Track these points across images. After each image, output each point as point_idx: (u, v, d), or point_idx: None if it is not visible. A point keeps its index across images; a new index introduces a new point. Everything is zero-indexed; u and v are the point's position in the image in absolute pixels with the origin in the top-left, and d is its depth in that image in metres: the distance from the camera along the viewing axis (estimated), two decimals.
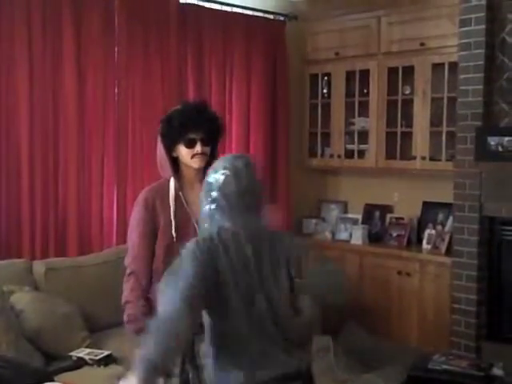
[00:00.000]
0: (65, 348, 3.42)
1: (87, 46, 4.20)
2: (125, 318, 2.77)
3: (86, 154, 4.23)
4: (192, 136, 2.72)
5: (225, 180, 2.23)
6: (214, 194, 2.24)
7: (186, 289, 2.09)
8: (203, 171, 2.67)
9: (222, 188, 2.23)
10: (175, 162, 2.81)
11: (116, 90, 4.39)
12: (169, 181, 2.83)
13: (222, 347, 2.23)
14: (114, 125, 4.36)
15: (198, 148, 2.73)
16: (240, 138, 5.13)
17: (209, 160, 2.76)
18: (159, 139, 2.81)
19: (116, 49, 4.37)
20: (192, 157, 2.74)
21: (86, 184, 4.23)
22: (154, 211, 2.78)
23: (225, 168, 2.25)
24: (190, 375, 2.84)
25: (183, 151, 2.74)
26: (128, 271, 2.83)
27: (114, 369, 3.34)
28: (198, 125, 2.72)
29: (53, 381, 2.89)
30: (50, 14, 4.02)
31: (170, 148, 2.77)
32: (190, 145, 2.73)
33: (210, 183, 2.26)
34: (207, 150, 2.77)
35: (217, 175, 2.25)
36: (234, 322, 2.18)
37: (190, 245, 2.20)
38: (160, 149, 2.81)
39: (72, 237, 4.16)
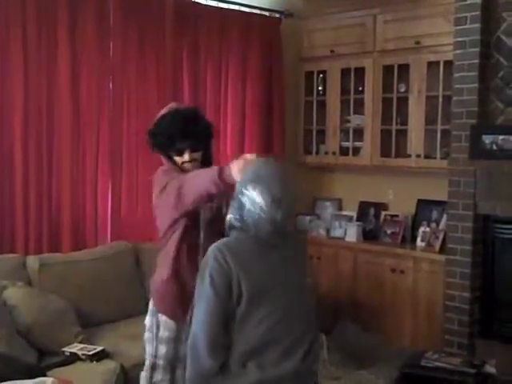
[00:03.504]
0: (58, 343, 3.41)
1: (82, 44, 4.19)
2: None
3: (80, 149, 4.23)
4: (180, 146, 2.72)
5: (259, 220, 2.17)
6: (247, 220, 2.19)
7: (211, 315, 2.12)
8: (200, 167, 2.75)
9: (256, 225, 2.18)
10: (172, 159, 2.80)
11: (111, 87, 4.38)
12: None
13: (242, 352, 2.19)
14: (109, 121, 4.36)
15: (187, 157, 2.73)
16: (235, 135, 5.13)
17: (203, 161, 2.78)
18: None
19: (111, 46, 4.37)
20: (182, 163, 2.75)
21: (79, 180, 4.23)
22: None
23: (262, 195, 2.16)
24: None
25: (174, 157, 2.76)
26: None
27: (106, 364, 3.34)
28: (185, 135, 2.70)
29: (45, 376, 2.89)
30: (45, 13, 4.01)
31: (161, 152, 2.78)
32: (179, 153, 2.73)
33: (243, 206, 2.21)
34: (197, 155, 2.77)
35: (253, 206, 2.18)
36: (259, 330, 2.16)
37: (214, 252, 2.17)
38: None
39: (66, 232, 4.16)
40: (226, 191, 2.47)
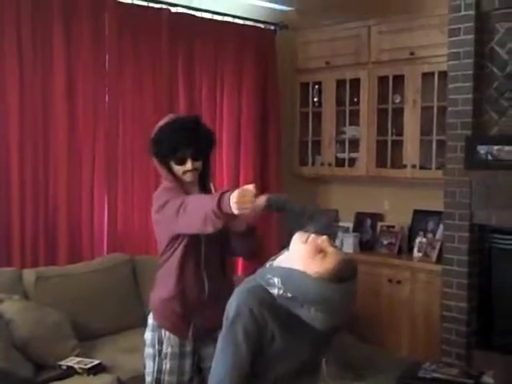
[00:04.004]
0: (54, 357, 3.40)
1: (77, 56, 4.20)
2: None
3: (76, 162, 4.22)
4: (182, 154, 2.69)
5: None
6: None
7: (235, 369, 1.94)
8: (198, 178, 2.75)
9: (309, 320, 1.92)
10: (171, 170, 2.77)
11: (106, 99, 4.39)
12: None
13: None
14: (105, 133, 4.36)
15: (189, 165, 2.70)
16: (231, 147, 5.14)
17: (202, 171, 2.77)
18: (151, 155, 2.78)
19: (107, 58, 4.38)
20: (183, 173, 2.73)
21: (76, 193, 4.22)
22: None
23: (319, 317, 1.89)
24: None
25: (174, 167, 2.72)
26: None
27: (103, 378, 3.33)
28: (187, 144, 2.68)
29: None
30: (41, 24, 4.02)
31: (161, 163, 2.75)
32: (181, 162, 2.70)
33: (295, 298, 1.90)
34: (199, 164, 2.74)
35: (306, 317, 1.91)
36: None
37: (245, 294, 1.97)
38: (155, 162, 2.78)
39: (62, 245, 4.15)
40: (228, 221, 2.44)
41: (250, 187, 2.28)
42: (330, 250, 1.91)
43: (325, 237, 1.94)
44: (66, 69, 4.14)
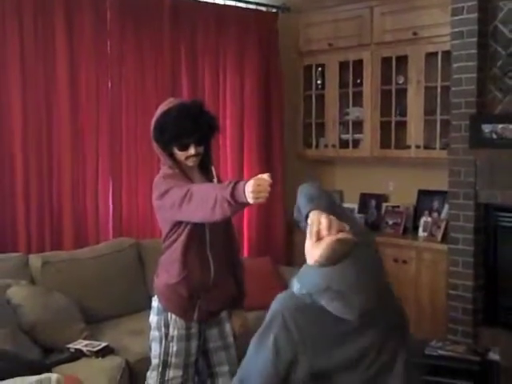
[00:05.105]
0: (62, 340, 3.42)
1: (79, 41, 4.19)
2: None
3: (80, 146, 4.24)
4: (186, 141, 2.68)
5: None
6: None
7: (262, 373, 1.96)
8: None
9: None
10: (172, 154, 2.76)
11: (109, 85, 4.39)
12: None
13: None
14: (108, 118, 4.36)
15: (192, 151, 2.69)
16: (235, 131, 5.13)
17: (203, 155, 2.76)
18: (152, 140, 2.75)
19: (108, 43, 4.37)
20: (186, 158, 2.73)
21: (80, 177, 4.24)
22: None
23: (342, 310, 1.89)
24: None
25: (177, 153, 2.71)
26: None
27: (111, 360, 3.35)
28: (192, 131, 2.67)
29: (50, 372, 2.90)
30: (42, 12, 4.01)
31: (164, 149, 2.73)
32: (184, 148, 2.70)
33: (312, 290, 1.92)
34: (201, 149, 2.74)
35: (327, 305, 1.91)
36: None
37: (281, 300, 2.00)
38: (155, 147, 2.77)
39: (68, 230, 4.16)
40: (237, 211, 2.44)
41: (266, 176, 2.26)
42: (325, 235, 1.88)
43: (325, 222, 1.89)
44: (68, 56, 4.14)
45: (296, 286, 1.97)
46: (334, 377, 1.97)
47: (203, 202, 2.42)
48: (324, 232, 1.88)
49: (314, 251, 1.87)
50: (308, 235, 1.91)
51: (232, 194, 2.29)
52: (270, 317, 2.00)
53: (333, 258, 1.85)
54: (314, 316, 1.95)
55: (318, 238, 1.88)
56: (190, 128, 2.65)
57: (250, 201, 2.24)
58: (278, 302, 2.02)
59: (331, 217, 1.91)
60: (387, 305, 2.06)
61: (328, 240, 1.86)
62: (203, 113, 2.74)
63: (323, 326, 1.95)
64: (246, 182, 2.26)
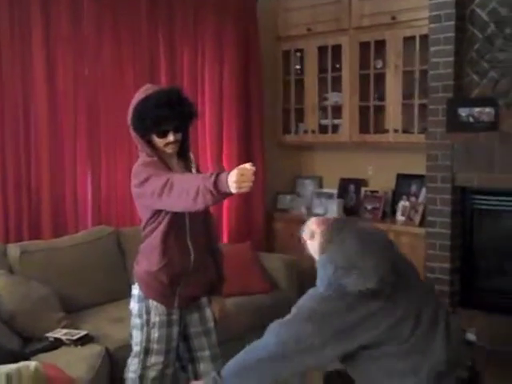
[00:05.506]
0: (41, 329, 3.41)
1: (56, 28, 4.14)
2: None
3: (58, 135, 4.20)
4: (165, 128, 2.67)
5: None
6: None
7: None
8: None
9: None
10: (150, 141, 2.74)
11: (86, 72, 4.35)
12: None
13: None
14: (86, 106, 4.33)
15: (171, 138, 2.68)
16: (213, 118, 5.12)
17: (181, 143, 2.76)
18: (131, 128, 2.73)
19: (85, 30, 4.32)
20: (165, 145, 2.72)
21: (58, 166, 4.20)
22: None
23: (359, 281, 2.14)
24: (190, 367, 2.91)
25: (156, 140, 2.70)
26: None
27: (91, 348, 3.35)
28: (171, 118, 2.66)
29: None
30: None
31: (142, 136, 2.71)
32: (163, 135, 2.68)
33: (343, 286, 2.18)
34: (180, 136, 2.73)
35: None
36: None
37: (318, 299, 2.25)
38: (133, 134, 2.75)
39: (46, 219, 4.14)
40: (219, 201, 2.45)
41: (248, 166, 2.26)
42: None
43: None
44: (44, 42, 4.09)
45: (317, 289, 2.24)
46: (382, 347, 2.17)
47: (185, 193, 2.40)
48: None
49: (313, 243, 2.32)
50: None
51: (215, 184, 2.28)
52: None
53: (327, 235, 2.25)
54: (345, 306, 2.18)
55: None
56: (169, 115, 2.64)
57: (233, 190, 2.24)
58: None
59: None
60: (409, 275, 2.32)
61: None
62: (182, 99, 2.73)
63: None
64: (229, 173, 2.26)
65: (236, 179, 2.22)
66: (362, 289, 2.11)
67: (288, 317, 2.25)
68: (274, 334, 2.23)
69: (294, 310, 2.27)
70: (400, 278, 2.21)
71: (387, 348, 2.16)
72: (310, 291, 2.29)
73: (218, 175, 2.30)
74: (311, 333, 2.14)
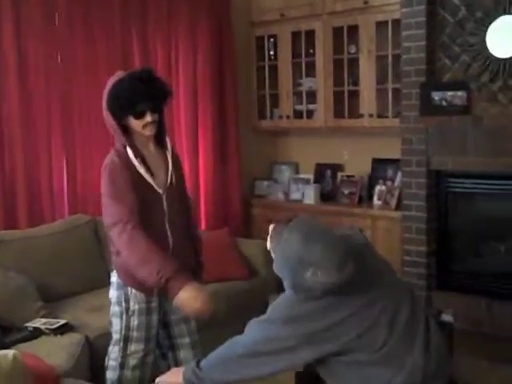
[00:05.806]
0: (20, 319, 3.40)
1: (27, 14, 4.08)
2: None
3: (31, 122, 4.15)
4: (141, 108, 2.66)
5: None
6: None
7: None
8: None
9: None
10: (126, 129, 2.74)
11: (59, 59, 4.31)
12: (125, 147, 2.74)
13: None
14: (59, 93, 4.29)
15: (149, 118, 2.68)
16: (188, 105, 5.10)
17: (157, 127, 2.75)
18: (106, 112, 2.71)
19: (57, 17, 4.27)
20: (143, 127, 2.71)
21: (32, 155, 4.16)
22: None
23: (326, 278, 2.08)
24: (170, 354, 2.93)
25: (133, 122, 2.69)
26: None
27: (71, 337, 3.34)
28: (146, 96, 2.65)
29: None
30: None
31: (118, 119, 2.70)
32: (140, 116, 2.68)
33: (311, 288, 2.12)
34: (157, 116, 2.73)
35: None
36: None
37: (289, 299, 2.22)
38: (109, 121, 2.73)
39: (22, 208, 4.10)
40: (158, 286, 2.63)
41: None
42: None
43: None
44: (15, 29, 4.02)
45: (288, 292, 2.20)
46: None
47: (143, 262, 2.59)
48: None
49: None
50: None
51: (166, 281, 2.55)
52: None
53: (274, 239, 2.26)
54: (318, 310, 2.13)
55: None
56: (144, 92, 2.64)
57: (177, 306, 2.60)
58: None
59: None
60: (382, 273, 2.24)
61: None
62: (155, 78, 2.73)
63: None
64: (183, 287, 2.56)
65: (186, 304, 2.57)
66: (323, 282, 2.05)
67: (264, 317, 2.23)
68: (251, 332, 2.23)
69: (269, 309, 2.24)
70: (370, 275, 2.16)
71: (359, 355, 2.10)
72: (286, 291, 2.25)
73: (176, 279, 2.56)
74: (283, 336, 2.12)
